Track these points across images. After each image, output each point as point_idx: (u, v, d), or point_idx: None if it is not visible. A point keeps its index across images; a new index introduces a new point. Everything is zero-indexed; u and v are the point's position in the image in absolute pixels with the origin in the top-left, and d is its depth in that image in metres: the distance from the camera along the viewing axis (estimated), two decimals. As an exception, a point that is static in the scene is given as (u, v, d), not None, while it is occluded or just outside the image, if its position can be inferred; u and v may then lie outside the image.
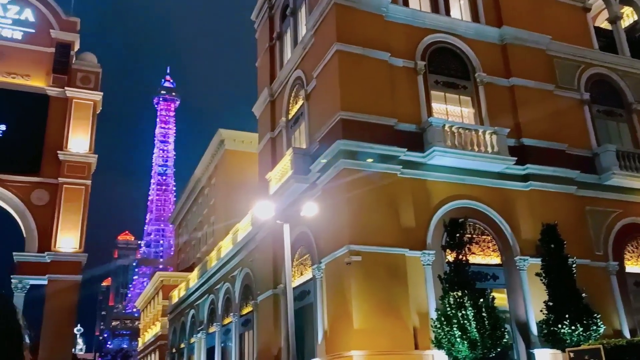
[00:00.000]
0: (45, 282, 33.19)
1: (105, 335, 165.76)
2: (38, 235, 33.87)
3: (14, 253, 33.80)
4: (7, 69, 36.19)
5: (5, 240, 38.36)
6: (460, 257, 18.32)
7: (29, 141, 35.55)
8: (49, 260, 33.32)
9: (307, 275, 23.23)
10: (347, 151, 20.31)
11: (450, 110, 23.86)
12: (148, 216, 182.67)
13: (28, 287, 33.37)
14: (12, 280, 33.22)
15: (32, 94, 36.19)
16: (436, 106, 23.49)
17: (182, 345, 48.70)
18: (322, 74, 23.22)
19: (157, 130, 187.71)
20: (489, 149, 21.99)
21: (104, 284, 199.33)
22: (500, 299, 20.23)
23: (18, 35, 37.21)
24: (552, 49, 26.25)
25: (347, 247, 19.16)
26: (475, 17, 25.81)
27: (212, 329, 38.70)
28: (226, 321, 35.75)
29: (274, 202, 21.31)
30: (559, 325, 18.58)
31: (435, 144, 21.04)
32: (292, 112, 27.15)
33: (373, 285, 18.98)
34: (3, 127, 35.17)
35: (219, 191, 51.49)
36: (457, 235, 18.72)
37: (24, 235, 34.28)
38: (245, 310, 31.81)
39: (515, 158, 22.28)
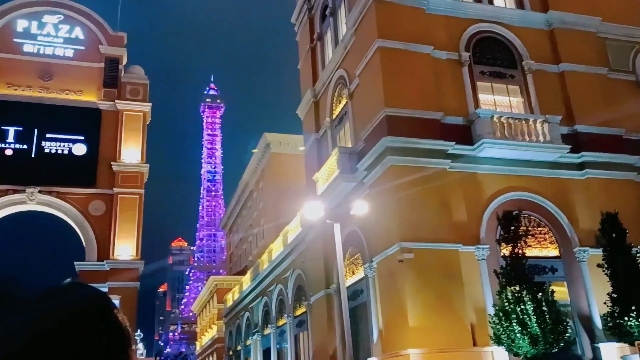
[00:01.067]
0: (106, 290, 34.32)
1: (164, 339, 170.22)
2: (97, 245, 35.09)
3: (75, 262, 35.13)
4: (61, 85, 37.66)
5: (67, 250, 39.91)
6: (516, 250, 17.82)
7: (85, 154, 36.90)
8: (108, 269, 34.46)
9: (359, 274, 23.13)
10: (394, 148, 20.11)
11: (498, 100, 23.29)
12: (199, 222, 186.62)
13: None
14: (74, 289, 34.48)
15: (85, 109, 37.55)
16: (483, 97, 22.99)
17: (239, 348, 49.41)
18: (364, 72, 23.09)
19: (204, 138, 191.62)
20: (541, 138, 21.34)
21: (160, 289, 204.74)
22: (560, 292, 19.60)
23: (69, 53, 38.68)
24: (602, 30, 25.25)
25: (398, 244, 18.97)
26: (519, 4, 25.12)
27: (267, 331, 39.09)
28: (280, 323, 36.03)
29: (322, 202, 21.33)
30: (625, 318, 17.80)
31: (485, 136, 20.58)
32: (336, 112, 27.11)
33: (427, 282, 18.71)
34: (63, 144, 36.62)
35: (267, 194, 52.02)
36: (512, 228, 18.22)
37: (84, 244, 35.60)
38: (299, 311, 31.97)
39: (569, 146, 21.54)
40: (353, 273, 23.93)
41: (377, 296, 20.99)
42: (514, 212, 18.66)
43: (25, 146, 36.12)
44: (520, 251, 17.85)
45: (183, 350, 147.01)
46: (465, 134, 21.14)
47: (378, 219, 20.35)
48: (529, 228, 20.70)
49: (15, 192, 34.78)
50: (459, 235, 19.69)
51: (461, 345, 18.07)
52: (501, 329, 16.78)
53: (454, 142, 20.57)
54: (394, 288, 19.39)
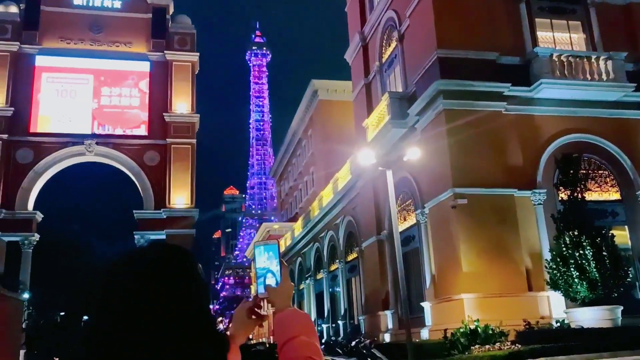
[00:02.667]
0: (164, 237, 35.66)
1: (220, 283, 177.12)
2: (153, 194, 36.26)
3: (134, 211, 36.53)
4: (111, 38, 38.16)
5: (127, 199, 41.37)
6: (575, 194, 17.25)
7: (138, 106, 37.68)
8: (165, 217, 35.68)
9: (411, 220, 23.06)
10: (447, 91, 19.52)
11: (557, 38, 22.08)
12: (250, 170, 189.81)
13: (149, 241, 36.09)
14: (134, 236, 36.06)
15: (135, 61, 38.07)
16: (542, 35, 21.82)
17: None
18: (415, 13, 22.25)
19: (252, 86, 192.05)
20: (604, 77, 20.21)
21: (215, 236, 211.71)
22: (621, 236, 19.00)
23: (117, 4, 38.95)
24: (675, -44, 23.25)
25: (451, 190, 18.69)
26: None
27: (319, 276, 39.94)
28: (332, 268, 36.70)
29: (372, 149, 21.12)
30: (691, 263, 17.14)
31: (543, 76, 19.66)
32: (386, 56, 26.41)
33: (481, 228, 18.47)
34: (123, 100, 37.48)
35: (316, 142, 52.02)
36: (571, 171, 17.59)
37: (141, 194, 36.86)
38: (351, 257, 32.42)
39: (634, 84, 20.33)
40: (404, 219, 23.87)
41: (429, 242, 20.94)
42: (574, 155, 17.97)
43: (81, 97, 37.13)
44: (579, 195, 17.28)
45: (238, 293, 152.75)
46: (522, 75, 20.23)
47: (430, 165, 20.04)
48: (589, 171, 19.97)
49: (74, 144, 36.05)
50: (515, 179, 19.20)
51: (516, 290, 17.92)
52: (558, 274, 16.49)
53: (509, 84, 19.76)
54: (447, 234, 19.26)
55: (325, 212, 36.99)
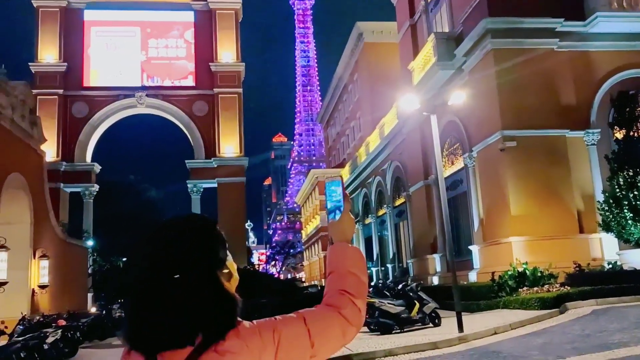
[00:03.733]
0: (215, 185, 36.66)
1: (272, 229, 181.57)
2: (203, 143, 37.06)
3: (186, 161, 37.56)
4: (155, -11, 38.20)
5: (179, 150, 42.46)
6: (631, 134, 16.61)
7: (185, 57, 38.04)
8: (215, 165, 36.54)
9: (459, 164, 22.82)
10: (495, 29, 18.79)
11: (616, -34, 20.67)
12: (297, 117, 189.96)
13: (202, 190, 37.21)
14: (187, 185, 37.22)
15: (180, 11, 38.15)
16: (599, -36, 20.47)
17: (341, 236, 51.63)
18: (461, -53, 21.23)
19: (296, 31, 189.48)
20: (667, 7, 18.94)
21: (265, 183, 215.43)
22: (680, 176, 18.24)
23: (159, -46, 38.74)
24: None
25: (499, 133, 18.32)
26: None
27: (367, 221, 40.37)
28: (380, 213, 36.98)
29: (418, 92, 20.77)
30: None
31: (599, 9, 18.61)
32: (432, -6, 25.49)
33: (531, 170, 18.13)
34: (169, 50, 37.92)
35: (362, 86, 51.37)
36: (627, 110, 16.88)
37: (192, 144, 37.75)
38: (398, 202, 32.52)
39: (701, 13, 18.97)
40: (452, 163, 23.64)
41: (477, 186, 20.75)
42: (630, 93, 17.20)
43: (130, 50, 37.76)
44: (635, 134, 16.63)
45: (290, 238, 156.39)
46: (575, 9, 19.20)
47: (478, 107, 19.60)
48: (647, 109, 19.06)
49: (125, 96, 36.98)
50: (567, 119, 18.59)
51: (567, 232, 17.69)
52: (611, 216, 16.15)
53: (562, 19, 18.82)
54: (495, 177, 19.01)
55: (372, 158, 36.97)
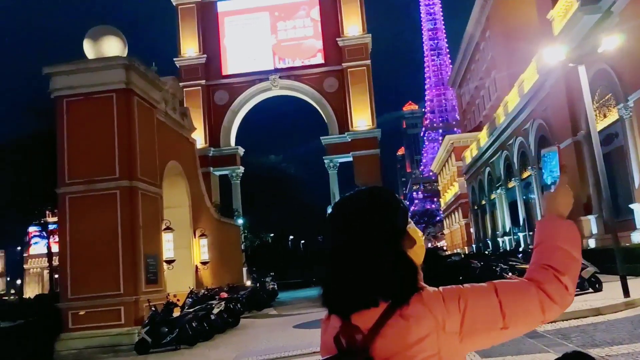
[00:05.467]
0: (351, 159, 37.22)
1: (409, 199, 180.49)
2: (336, 119, 37.71)
3: (321, 137, 38.53)
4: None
5: (312, 128, 43.65)
6: None
7: (312, 35, 38.78)
8: (349, 140, 37.05)
9: (612, 116, 20.88)
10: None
11: None
12: (426, 83, 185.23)
13: (338, 164, 38.01)
14: (324, 161, 38.23)
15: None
16: None
17: (483, 202, 50.00)
18: None
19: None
20: None
21: (398, 153, 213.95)
22: None
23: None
24: None
25: (661, 77, 16.40)
26: None
27: (511, 184, 38.57)
28: (525, 175, 35.11)
29: (560, 44, 19.21)
30: None
31: None
32: None
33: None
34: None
35: (496, 43, 48.68)
36: None
37: (325, 120, 38.59)
38: (544, 162, 30.56)
39: None
40: (604, 116, 21.69)
41: (635, 138, 18.85)
42: None
43: (261, 35, 39.35)
44: None
45: (428, 207, 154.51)
46: None
47: (633, 52, 17.67)
48: None
49: (260, 80, 38.70)
50: None
51: None
52: None
53: None
54: (658, 127, 17.12)
55: (512, 118, 35.06)
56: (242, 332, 16.66)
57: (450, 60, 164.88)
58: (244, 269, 34.79)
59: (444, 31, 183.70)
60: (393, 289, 1.36)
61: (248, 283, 31.02)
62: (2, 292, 61.39)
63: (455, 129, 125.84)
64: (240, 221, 36.74)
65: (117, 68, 15.87)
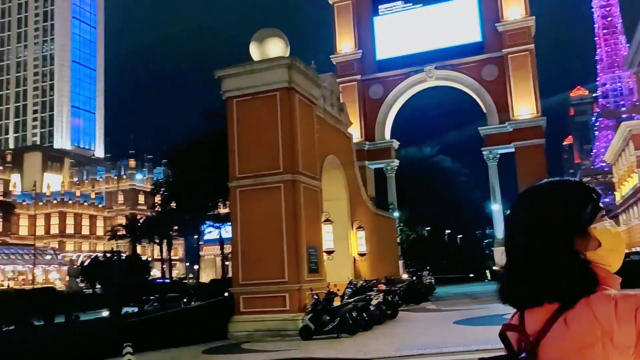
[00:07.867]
0: (512, 150, 35.28)
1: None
2: (496, 108, 35.98)
3: (479, 128, 37.06)
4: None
5: (470, 118, 42.14)
6: None
7: (468, 22, 37.39)
8: (510, 130, 35.14)
9: None
10: None
11: None
12: (598, 65, 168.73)
13: (498, 156, 36.26)
14: (483, 152, 36.69)
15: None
16: None
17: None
18: None
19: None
20: None
21: (565, 143, 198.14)
22: None
23: None
24: None
25: None
26: None
27: None
28: None
29: None
30: None
31: None
32: None
33: None
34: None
35: (685, 15, 42.68)
36: None
37: (484, 110, 37.02)
38: None
39: None
40: None
41: None
42: None
43: (414, 26, 38.89)
44: None
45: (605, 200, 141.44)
46: None
47: None
48: None
49: (415, 72, 38.26)
50: None
51: None
52: None
53: None
54: None
55: None
56: (401, 324, 16.68)
57: (626, 39, 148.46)
58: (400, 262, 34.78)
59: (619, 7, 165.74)
60: (559, 291, 1.26)
61: (404, 276, 30.95)
62: (183, 276, 68.48)
63: (633, 114, 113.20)
64: (395, 214, 36.79)
65: (280, 68, 16.72)
